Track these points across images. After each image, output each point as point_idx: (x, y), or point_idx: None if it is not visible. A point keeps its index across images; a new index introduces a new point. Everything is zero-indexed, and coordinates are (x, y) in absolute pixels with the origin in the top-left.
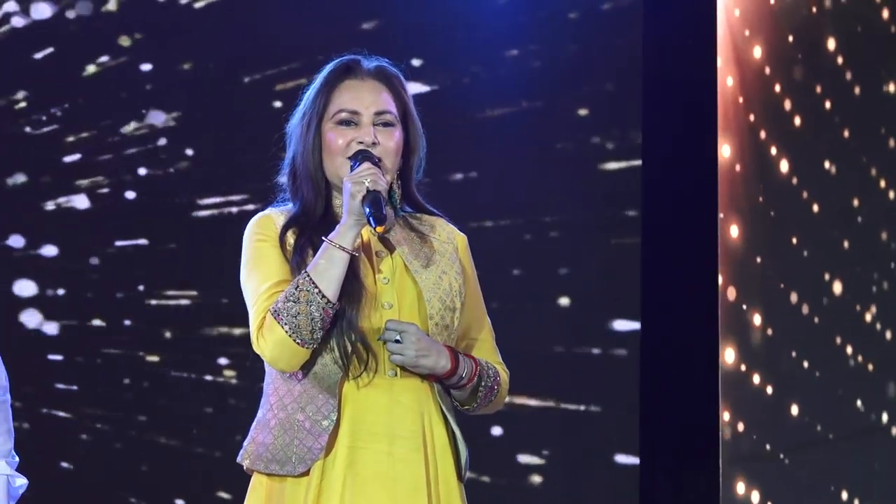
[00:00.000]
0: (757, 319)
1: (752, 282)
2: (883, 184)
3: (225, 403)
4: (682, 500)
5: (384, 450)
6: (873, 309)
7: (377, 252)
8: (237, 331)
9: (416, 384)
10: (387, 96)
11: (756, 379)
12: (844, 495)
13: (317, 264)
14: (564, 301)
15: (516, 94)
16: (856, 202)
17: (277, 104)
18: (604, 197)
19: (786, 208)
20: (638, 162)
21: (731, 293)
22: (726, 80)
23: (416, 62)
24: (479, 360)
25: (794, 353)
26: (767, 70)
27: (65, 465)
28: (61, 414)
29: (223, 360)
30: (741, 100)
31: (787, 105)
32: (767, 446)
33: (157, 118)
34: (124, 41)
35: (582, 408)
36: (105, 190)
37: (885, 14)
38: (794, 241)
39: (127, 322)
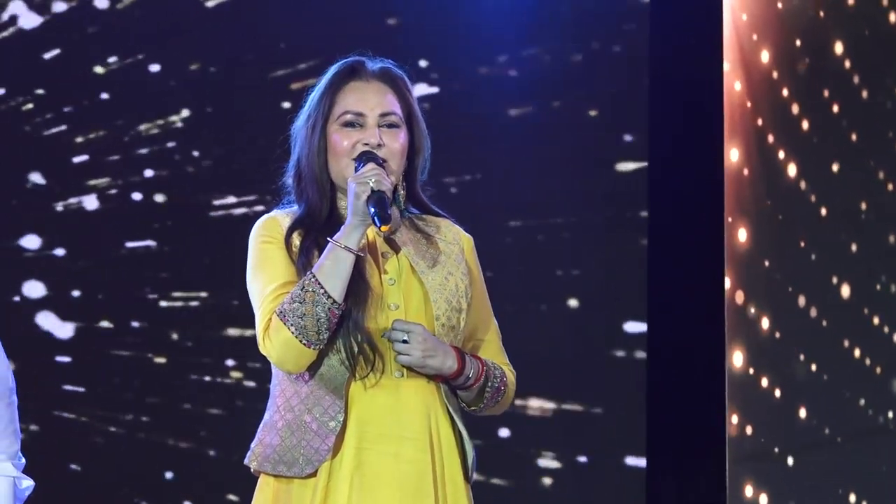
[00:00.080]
0: (765, 323)
1: (760, 285)
2: (890, 187)
3: (233, 405)
4: (689, 502)
5: (391, 451)
6: (881, 312)
7: (383, 253)
8: (245, 332)
9: (422, 385)
10: (392, 98)
11: (764, 382)
12: (853, 497)
13: (322, 265)
14: (573, 303)
15: (525, 95)
16: (863, 205)
17: (286, 105)
18: (613, 198)
19: (794, 212)
20: (646, 164)
21: (740, 296)
22: (734, 85)
23: (422, 63)
24: (486, 360)
25: (802, 356)
26: (775, 74)
27: (74, 467)
28: (70, 416)
29: (231, 362)
30: (749, 104)
31: (795, 109)
32: (776, 449)
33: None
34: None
35: (589, 409)
36: (114, 191)
37: (893, 17)
38: (802, 244)
39: (135, 323)
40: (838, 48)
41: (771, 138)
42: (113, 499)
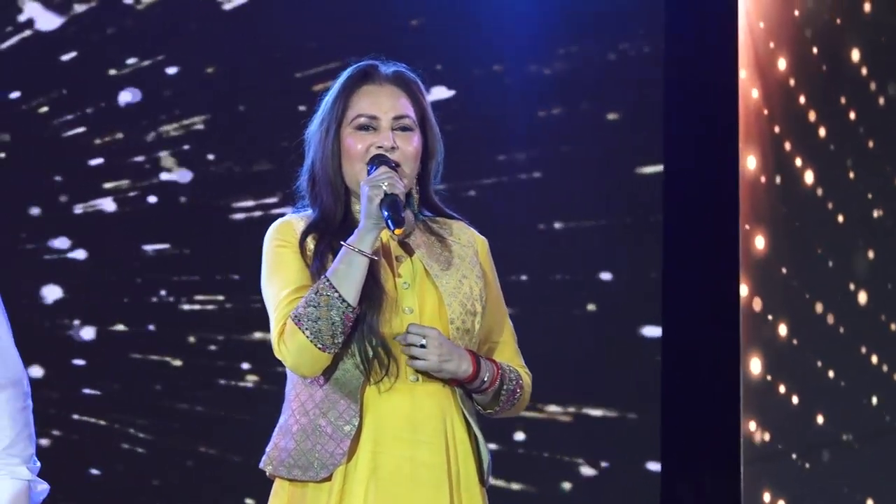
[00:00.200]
0: (783, 329)
1: (777, 292)
2: None
3: (250, 409)
4: None
5: (406, 455)
6: None
7: (397, 256)
8: (261, 336)
9: (437, 389)
10: (405, 101)
11: (782, 388)
12: (870, 502)
13: (336, 269)
14: (591, 307)
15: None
16: (880, 212)
17: (302, 108)
18: (633, 202)
19: (811, 219)
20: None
21: (757, 303)
22: (751, 92)
23: (437, 66)
24: (501, 363)
25: (819, 363)
26: (792, 82)
27: (93, 471)
28: (89, 419)
29: (247, 365)
30: (766, 111)
31: (812, 116)
32: (793, 455)
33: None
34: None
35: (605, 414)
36: (132, 193)
37: None
38: (819, 251)
39: (151, 327)
40: (855, 55)
41: (788, 146)
42: (132, 503)
